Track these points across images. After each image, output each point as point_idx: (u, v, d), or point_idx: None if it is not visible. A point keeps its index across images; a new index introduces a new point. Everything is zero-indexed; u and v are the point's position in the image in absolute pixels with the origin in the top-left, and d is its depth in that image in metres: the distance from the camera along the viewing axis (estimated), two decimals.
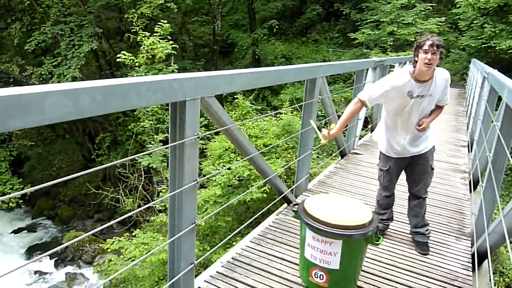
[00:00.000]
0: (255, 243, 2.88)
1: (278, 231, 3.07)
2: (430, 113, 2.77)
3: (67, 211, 14.19)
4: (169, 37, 9.50)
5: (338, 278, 2.30)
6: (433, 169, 2.92)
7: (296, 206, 2.44)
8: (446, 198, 4.03)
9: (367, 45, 15.87)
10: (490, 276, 2.38)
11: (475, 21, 13.30)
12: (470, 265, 2.82)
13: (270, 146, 7.59)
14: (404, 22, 14.54)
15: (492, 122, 3.72)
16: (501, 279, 4.21)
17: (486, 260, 2.92)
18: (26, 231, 13.34)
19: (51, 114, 1.22)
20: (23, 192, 1.45)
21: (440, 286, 2.54)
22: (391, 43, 14.55)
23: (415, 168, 2.91)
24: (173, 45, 9.22)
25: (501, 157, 2.92)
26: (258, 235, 3.02)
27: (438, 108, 2.80)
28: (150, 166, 9.62)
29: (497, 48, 12.38)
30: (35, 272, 10.98)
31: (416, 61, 2.59)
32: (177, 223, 2.07)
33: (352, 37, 16.03)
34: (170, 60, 10.07)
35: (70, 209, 14.34)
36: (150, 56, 8.99)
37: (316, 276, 2.31)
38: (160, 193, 9.13)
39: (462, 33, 15.13)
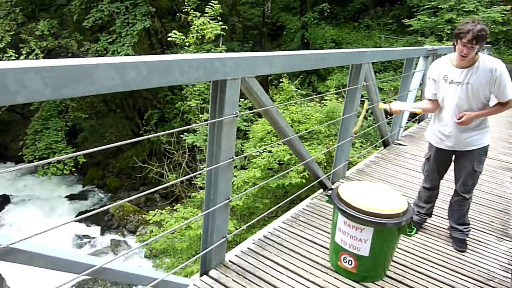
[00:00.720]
0: (288, 224, 2.93)
1: (311, 214, 3.10)
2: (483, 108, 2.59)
3: (115, 182, 14.99)
4: (219, 18, 9.58)
5: (367, 265, 2.31)
6: (476, 171, 2.73)
7: (330, 191, 2.46)
8: (491, 196, 3.85)
9: (422, 33, 15.07)
10: None
11: None
12: (510, 267, 2.71)
13: (308, 130, 7.55)
14: (464, 9, 13.63)
15: None
16: None
17: None
18: (77, 197, 14.28)
19: (100, 85, 1.32)
20: (76, 154, 1.59)
21: (475, 284, 2.47)
22: (449, 32, 13.74)
23: (458, 164, 2.81)
24: (222, 26, 9.30)
25: None
26: (291, 217, 3.06)
27: (498, 104, 2.58)
28: (194, 144, 9.90)
29: None
30: (84, 236, 11.80)
31: (455, 46, 2.48)
32: (212, 197, 2.17)
33: (407, 23, 15.28)
34: (219, 41, 10.18)
35: (117, 180, 15.14)
36: (200, 36, 9.14)
37: (345, 261, 2.33)
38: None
39: None
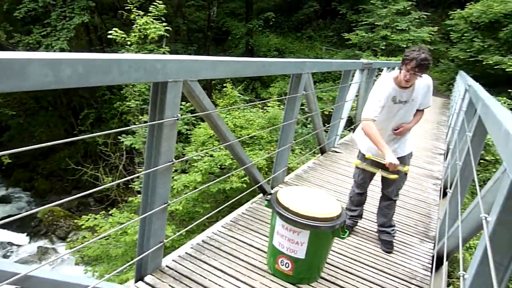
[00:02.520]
0: (227, 229, 2.95)
1: (250, 218, 3.15)
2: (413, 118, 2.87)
3: (44, 184, 14.03)
4: (163, 18, 9.41)
5: (303, 268, 2.39)
6: (406, 174, 3.02)
7: (269, 196, 2.51)
8: (416, 202, 4.16)
9: (359, 47, 16.00)
10: (444, 277, 2.50)
11: (466, 34, 13.54)
12: (430, 266, 2.95)
13: (249, 135, 7.65)
14: (398, 28, 14.70)
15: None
16: (458, 282, 4.38)
17: (446, 263, 3.07)
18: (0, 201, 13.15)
19: (32, 81, 1.25)
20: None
21: (399, 283, 2.65)
22: (383, 47, 14.71)
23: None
24: (166, 27, 9.14)
25: (469, 166, 3.04)
26: (231, 221, 3.08)
27: (419, 112, 2.90)
28: (133, 146, 9.58)
29: (484, 62, 12.65)
30: (8, 244, 10.87)
31: (400, 69, 2.68)
32: (149, 201, 2.12)
33: (346, 37, 16.13)
34: (162, 42, 9.98)
35: (47, 183, 14.18)
36: (142, 36, 8.90)
37: (282, 263, 2.39)
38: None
39: (453, 45, 15.38)
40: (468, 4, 13.65)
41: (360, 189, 3.18)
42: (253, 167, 3.27)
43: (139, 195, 8.54)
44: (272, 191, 3.77)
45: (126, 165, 12.00)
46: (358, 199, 3.22)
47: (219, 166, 10.29)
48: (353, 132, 6.93)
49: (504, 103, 9.96)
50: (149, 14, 9.09)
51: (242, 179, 9.64)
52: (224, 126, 2.63)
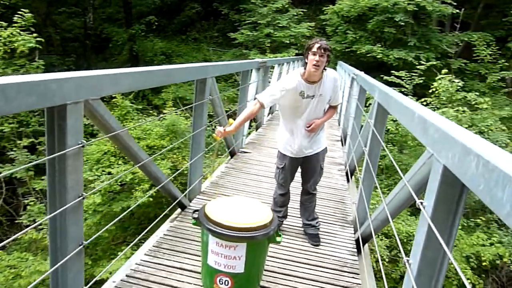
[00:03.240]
0: (151, 256, 2.68)
1: (175, 239, 2.91)
2: (324, 114, 2.94)
3: None
4: (32, 29, 8.33)
5: (243, 282, 2.27)
6: (322, 168, 3.10)
7: (196, 213, 2.34)
8: (328, 189, 4.36)
9: (246, 46, 16.37)
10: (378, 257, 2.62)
11: (339, 27, 14.81)
12: (355, 250, 3.09)
13: (165, 148, 7.26)
14: (279, 25, 15.41)
15: (364, 118, 4.14)
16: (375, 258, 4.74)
17: (366, 244, 3.25)
18: None
19: None
20: None
21: (333, 274, 2.71)
22: (269, 45, 15.29)
23: (308, 167, 3.06)
24: (37, 38, 8.12)
25: (375, 150, 3.25)
26: (153, 246, 2.81)
27: (331, 108, 2.99)
28: (13, 176, 8.36)
29: (358, 52, 13.99)
30: None
31: (306, 63, 2.73)
32: (60, 246, 1.78)
33: (232, 37, 16.35)
34: (34, 55, 8.86)
35: None
36: (9, 50, 7.76)
37: (221, 282, 2.24)
38: (28, 206, 8.02)
39: (329, 38, 16.71)
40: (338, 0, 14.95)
41: (282, 189, 3.18)
42: (170, 183, 3.03)
43: (29, 229, 7.48)
44: (191, 204, 3.58)
45: (7, 197, 10.44)
46: (282, 200, 3.22)
47: (119, 183, 9.58)
48: (256, 130, 7.02)
49: None
50: (14, 24, 7.96)
51: (147, 193, 9.12)
52: (136, 145, 2.36)
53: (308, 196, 3.15)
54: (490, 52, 13.13)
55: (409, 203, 2.19)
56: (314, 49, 2.64)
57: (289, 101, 2.80)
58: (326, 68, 2.80)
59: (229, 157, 5.28)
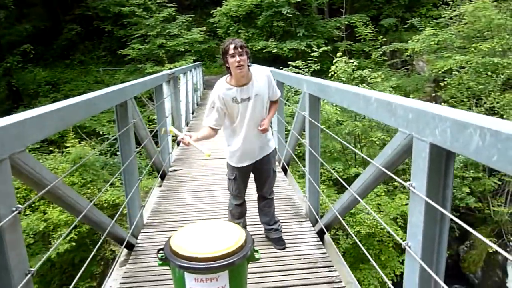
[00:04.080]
0: None
1: (136, 285, 2.58)
2: (268, 112, 2.85)
3: None
4: None
5: None
6: (275, 171, 3.02)
7: (162, 252, 2.07)
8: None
9: (139, 60, 15.67)
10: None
11: (231, 28, 14.97)
12: (320, 243, 3.08)
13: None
14: (170, 34, 15.03)
15: (289, 112, 4.16)
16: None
17: (327, 234, 3.26)
18: None
19: None
20: None
21: (310, 273, 2.65)
22: (164, 55, 14.84)
23: (260, 172, 2.95)
24: None
25: (315, 140, 3.28)
26: None
27: (273, 103, 2.89)
28: None
29: (253, 49, 14.29)
30: None
31: (228, 67, 2.60)
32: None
33: (122, 53, 15.51)
34: None
35: None
36: None
37: None
38: None
39: (222, 39, 16.81)
40: (224, 1, 15.07)
41: (238, 199, 3.03)
42: (116, 225, 2.68)
43: None
44: (138, 241, 3.24)
45: None
46: (239, 211, 3.06)
47: (32, 235, 8.54)
48: (178, 145, 6.70)
49: None
50: None
51: (69, 237, 8.28)
52: (74, 192, 2.01)
53: (266, 201, 3.06)
54: (369, 31, 14.43)
55: (375, 186, 2.22)
56: (231, 51, 2.53)
57: (226, 111, 2.67)
58: (250, 65, 2.72)
59: (159, 179, 4.94)
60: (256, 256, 2.17)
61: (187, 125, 8.26)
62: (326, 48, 13.32)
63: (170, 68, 10.54)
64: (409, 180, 1.53)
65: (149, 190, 5.30)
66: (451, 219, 1.41)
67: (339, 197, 7.00)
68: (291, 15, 14.10)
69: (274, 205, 3.14)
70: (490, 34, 11.18)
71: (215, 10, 15.32)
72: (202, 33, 15.35)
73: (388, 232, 7.94)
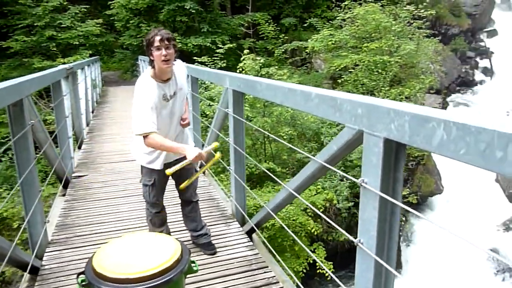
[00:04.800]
0: None
1: None
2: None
3: None
4: None
5: None
6: (197, 171, 2.84)
7: (83, 276, 1.77)
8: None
9: (24, 54, 13.84)
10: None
11: (131, 21, 14.07)
12: (251, 243, 2.99)
13: None
14: (62, 25, 13.54)
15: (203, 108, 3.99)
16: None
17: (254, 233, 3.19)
18: None
19: None
20: None
21: (246, 277, 2.55)
22: (54, 48, 13.33)
23: (182, 173, 2.72)
24: None
25: (240, 137, 3.19)
26: None
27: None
28: None
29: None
30: None
31: (153, 61, 2.36)
32: None
33: (4, 46, 13.52)
34: None
35: None
36: None
37: None
38: None
39: (121, 33, 15.77)
40: None
41: (156, 207, 2.78)
42: (16, 249, 2.23)
43: None
44: (43, 263, 2.78)
45: None
46: (159, 219, 2.81)
47: None
48: (79, 148, 6.05)
49: None
50: None
51: None
52: None
53: (192, 205, 2.86)
54: (272, 29, 14.83)
55: (313, 182, 2.20)
56: (157, 43, 2.29)
57: (157, 111, 2.40)
58: (176, 59, 2.51)
59: (62, 187, 4.37)
60: (194, 268, 1.99)
61: (87, 126, 7.52)
62: (231, 45, 13.32)
63: (64, 63, 9.48)
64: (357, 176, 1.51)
65: (49, 200, 4.67)
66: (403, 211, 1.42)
67: (260, 193, 7.01)
68: (194, 11, 13.78)
69: (199, 209, 2.96)
70: (379, 35, 12.31)
71: (113, 2, 14.24)
72: (98, 25, 14.15)
73: (300, 223, 8.26)
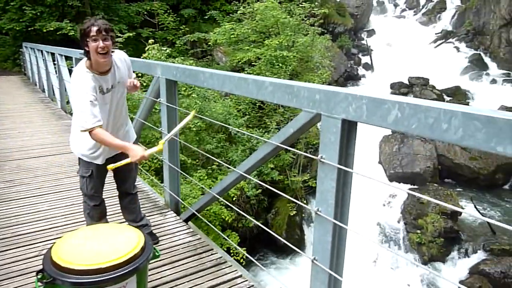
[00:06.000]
0: None
1: None
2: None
3: None
4: None
5: None
6: (137, 164, 2.80)
7: (42, 273, 1.68)
8: None
9: None
10: None
11: (11, 3, 12.44)
12: (192, 230, 3.07)
13: None
14: None
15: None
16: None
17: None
18: None
19: None
20: None
21: (194, 261, 2.63)
22: None
23: (122, 167, 2.67)
24: None
25: (173, 127, 3.21)
26: None
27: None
28: None
29: (44, 30, 12.36)
30: None
31: (88, 52, 2.27)
32: None
33: None
34: None
35: None
36: None
37: None
38: None
39: None
40: None
41: (95, 199, 2.68)
42: None
43: None
44: None
45: None
46: (98, 212, 2.72)
47: None
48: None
49: None
50: None
51: None
52: None
53: (131, 197, 2.82)
54: (172, 20, 14.55)
55: (263, 163, 2.37)
56: (93, 34, 2.21)
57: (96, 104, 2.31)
58: (113, 50, 2.44)
59: None
60: (156, 254, 2.04)
61: None
62: (130, 34, 12.74)
63: None
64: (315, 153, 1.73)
65: None
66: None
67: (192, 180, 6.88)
68: None
69: (139, 200, 2.93)
70: (277, 30, 13.01)
71: None
72: None
73: (214, 212, 8.41)
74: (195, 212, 3.01)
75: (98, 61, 2.26)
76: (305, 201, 12.30)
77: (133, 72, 2.74)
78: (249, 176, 2.34)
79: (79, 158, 2.57)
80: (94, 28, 2.20)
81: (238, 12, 14.14)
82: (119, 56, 2.52)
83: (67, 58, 7.20)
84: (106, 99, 2.40)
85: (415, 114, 1.33)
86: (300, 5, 12.99)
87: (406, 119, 1.36)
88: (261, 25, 13.17)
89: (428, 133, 1.31)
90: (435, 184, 10.75)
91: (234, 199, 9.27)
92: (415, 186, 10.87)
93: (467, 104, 14.96)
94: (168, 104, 3.11)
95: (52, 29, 12.03)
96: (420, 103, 1.31)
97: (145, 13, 15.29)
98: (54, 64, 7.90)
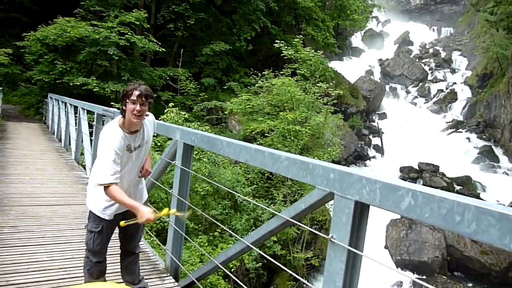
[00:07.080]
0: None
1: None
2: None
3: None
4: None
5: None
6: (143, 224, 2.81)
7: None
8: None
9: None
10: None
11: (45, 57, 13.31)
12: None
13: None
14: None
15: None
16: None
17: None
18: None
19: None
20: None
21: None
22: None
23: (130, 226, 2.68)
24: None
25: (184, 190, 3.25)
26: None
27: None
28: None
29: (70, 84, 13.02)
30: None
31: (124, 110, 2.42)
32: None
33: None
34: None
35: None
36: None
37: None
38: None
39: (31, 67, 14.75)
40: (40, 26, 13.40)
41: (99, 256, 2.65)
42: None
43: None
44: None
45: None
46: (99, 269, 2.67)
47: None
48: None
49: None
50: None
51: None
52: None
53: (133, 257, 2.79)
54: (193, 86, 15.28)
55: (271, 236, 2.35)
56: (134, 97, 2.36)
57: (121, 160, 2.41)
58: (148, 114, 2.59)
59: None
60: None
61: None
62: None
63: None
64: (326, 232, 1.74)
65: None
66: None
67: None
68: (116, 57, 13.64)
69: (139, 262, 2.88)
70: (291, 105, 13.50)
71: (28, 34, 13.42)
72: (6, 55, 13.07)
73: (211, 282, 8.09)
74: (195, 280, 2.92)
75: (131, 121, 2.39)
76: (307, 280, 11.81)
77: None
78: (256, 249, 2.32)
79: (91, 212, 2.59)
80: (136, 92, 2.36)
81: (256, 85, 14.81)
82: (149, 118, 2.66)
83: (89, 112, 7.51)
84: (132, 156, 2.49)
85: (428, 203, 1.35)
86: (317, 85, 13.61)
87: (419, 207, 1.38)
88: (277, 99, 13.70)
89: (441, 224, 1.32)
90: (444, 276, 10.28)
91: (233, 270, 8.96)
92: (423, 276, 10.40)
93: (478, 195, 14.84)
94: (182, 167, 3.17)
95: (78, 83, 12.68)
96: (434, 193, 1.34)
97: (167, 78, 16.11)
98: (75, 117, 8.20)
